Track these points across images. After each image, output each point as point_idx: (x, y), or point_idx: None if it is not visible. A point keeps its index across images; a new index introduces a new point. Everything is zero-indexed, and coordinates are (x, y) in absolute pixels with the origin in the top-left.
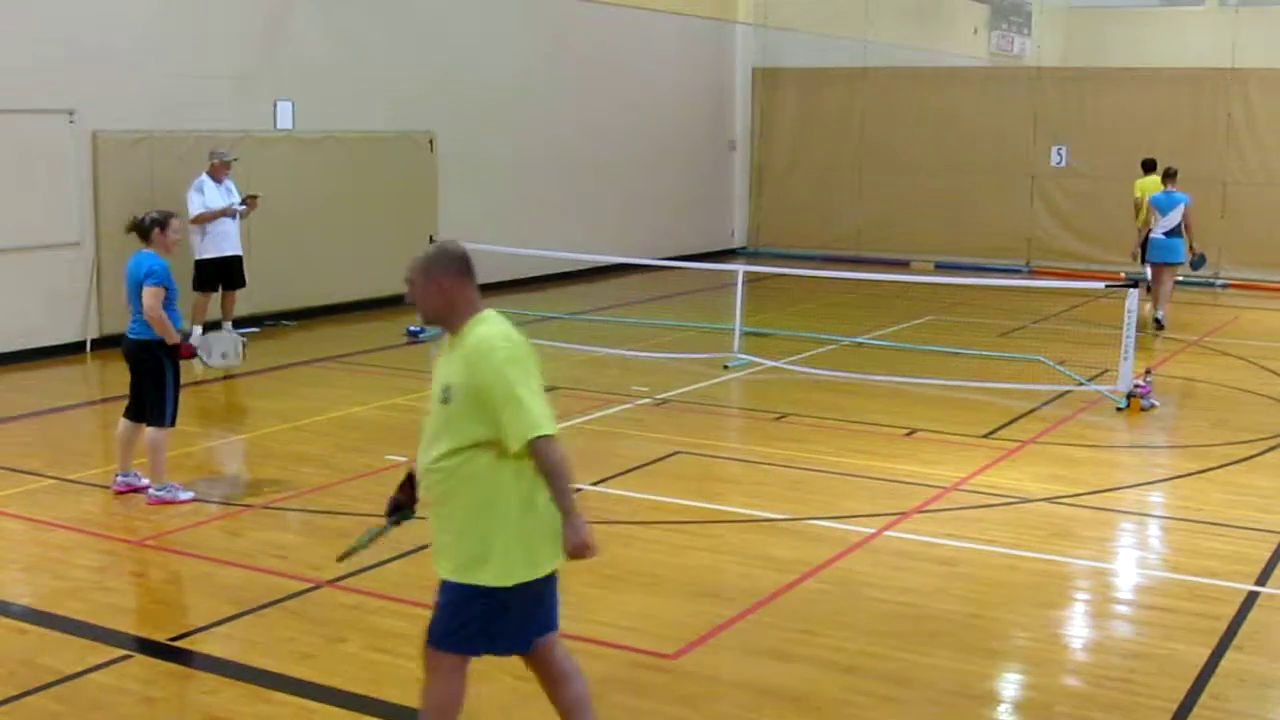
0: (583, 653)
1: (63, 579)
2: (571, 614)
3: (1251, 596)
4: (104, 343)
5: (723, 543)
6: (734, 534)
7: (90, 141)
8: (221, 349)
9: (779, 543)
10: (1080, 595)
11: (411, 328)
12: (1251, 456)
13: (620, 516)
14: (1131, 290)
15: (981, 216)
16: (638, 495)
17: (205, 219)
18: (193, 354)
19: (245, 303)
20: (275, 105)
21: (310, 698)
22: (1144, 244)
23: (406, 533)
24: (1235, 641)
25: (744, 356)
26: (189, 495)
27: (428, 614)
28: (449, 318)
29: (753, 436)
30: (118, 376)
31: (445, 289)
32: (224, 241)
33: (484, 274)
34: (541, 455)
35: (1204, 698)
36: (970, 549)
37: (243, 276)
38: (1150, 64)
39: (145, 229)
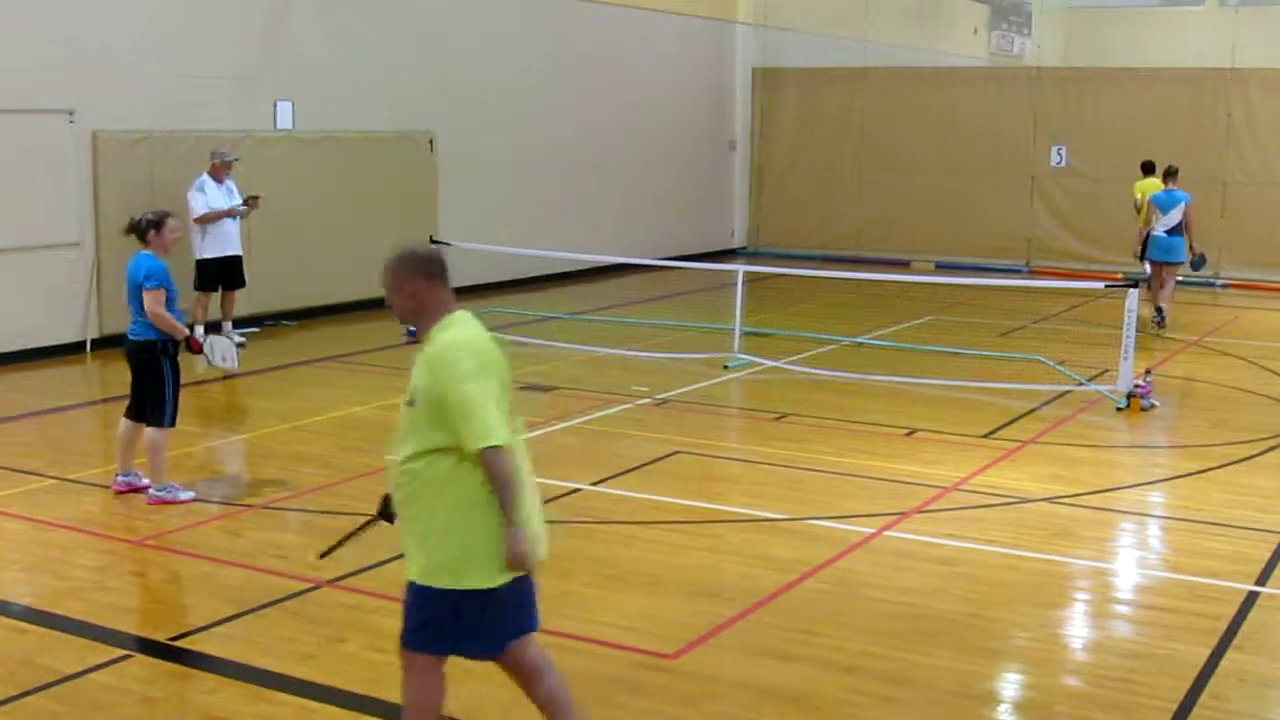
0: (583, 653)
1: (63, 579)
2: (571, 614)
3: (1251, 596)
4: (104, 343)
5: (723, 543)
6: (734, 534)
7: (90, 141)
8: (221, 351)
9: (779, 543)
10: (1080, 595)
11: (411, 328)
12: (1251, 456)
13: (620, 516)
14: (1131, 290)
15: (981, 216)
16: (638, 495)
17: (209, 219)
18: (201, 348)
19: (245, 303)
20: (275, 105)
21: (310, 698)
22: (1145, 242)
23: None
24: (1235, 641)
25: (744, 356)
26: (189, 495)
27: None
28: (418, 320)
29: (753, 436)
30: (118, 376)
31: (414, 293)
32: (225, 241)
33: (484, 274)
34: (489, 465)
35: (1204, 698)
36: (970, 549)
37: (242, 276)
38: (1150, 64)
39: (142, 230)
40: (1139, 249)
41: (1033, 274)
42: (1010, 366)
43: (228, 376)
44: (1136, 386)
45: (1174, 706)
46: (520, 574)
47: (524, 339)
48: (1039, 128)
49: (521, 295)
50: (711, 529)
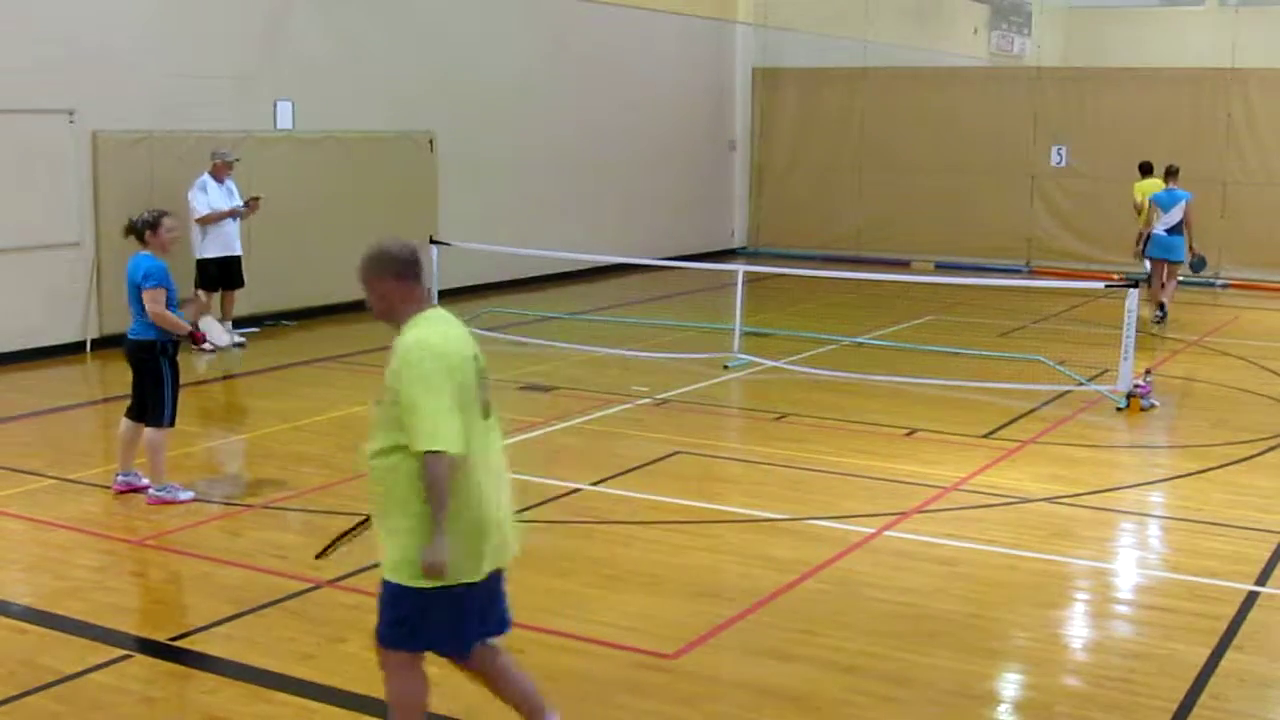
0: (583, 653)
1: (63, 579)
2: (571, 614)
3: (1251, 596)
4: (104, 343)
5: (723, 543)
6: (734, 534)
7: (90, 141)
8: (216, 331)
9: (779, 543)
10: (1080, 595)
11: None
12: (1251, 456)
13: (620, 516)
14: (1131, 290)
15: (981, 216)
16: (638, 495)
17: (211, 220)
18: (205, 339)
19: (245, 302)
20: (275, 105)
21: (310, 698)
22: (1145, 241)
23: None
24: (1235, 641)
25: (744, 356)
26: (189, 495)
27: None
28: (391, 318)
29: (753, 436)
30: (118, 376)
31: (384, 293)
32: (226, 242)
33: (484, 274)
34: (425, 469)
35: (1204, 698)
36: (970, 549)
37: (241, 276)
38: (1150, 64)
39: (139, 231)
40: (1140, 248)
41: (1033, 274)
42: (1010, 366)
43: (228, 376)
44: (1136, 386)
45: (1174, 706)
46: (432, 579)
47: (524, 339)
48: (1039, 128)
49: (521, 295)
50: (711, 529)
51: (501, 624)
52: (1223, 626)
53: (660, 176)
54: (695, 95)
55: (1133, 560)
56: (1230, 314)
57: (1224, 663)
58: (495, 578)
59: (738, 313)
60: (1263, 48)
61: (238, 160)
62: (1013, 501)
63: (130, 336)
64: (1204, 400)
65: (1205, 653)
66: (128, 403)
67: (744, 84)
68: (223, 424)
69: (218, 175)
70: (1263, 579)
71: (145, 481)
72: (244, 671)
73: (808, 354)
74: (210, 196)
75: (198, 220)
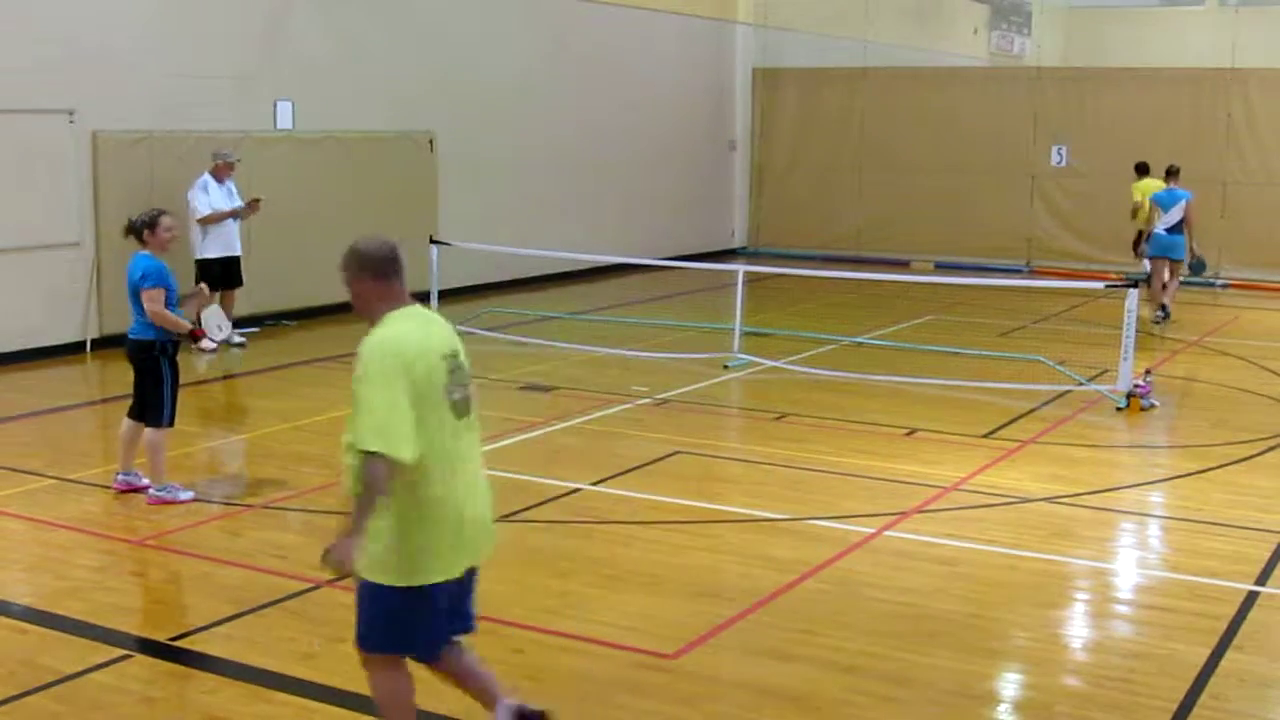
0: (583, 653)
1: (63, 579)
2: (571, 614)
3: (1251, 596)
4: (104, 343)
5: (723, 543)
6: (734, 534)
7: (90, 141)
8: (216, 322)
9: (779, 543)
10: (1080, 595)
11: None
12: (1251, 456)
13: (620, 516)
14: (1131, 290)
15: (981, 216)
16: (638, 495)
17: (213, 220)
18: (205, 335)
19: (245, 302)
20: (275, 105)
21: (310, 698)
22: (1146, 240)
23: None
24: (1235, 641)
25: (744, 356)
26: (189, 495)
27: None
28: (367, 315)
29: (753, 436)
30: (118, 376)
31: (360, 290)
32: (227, 241)
33: (484, 274)
34: (361, 466)
35: (1204, 698)
36: (970, 549)
37: (240, 276)
38: (1150, 64)
39: (137, 231)
40: (1143, 246)
41: (1033, 274)
42: (1010, 366)
43: (228, 376)
44: (1136, 386)
45: (1174, 706)
46: (335, 573)
47: (524, 339)
48: (1039, 128)
49: (521, 295)
50: (711, 529)
51: (468, 622)
52: (1223, 626)
53: (660, 176)
54: (695, 95)
55: (1133, 560)
56: (1230, 314)
57: (1224, 663)
58: (469, 575)
59: (738, 313)
60: (1263, 48)
61: (239, 161)
62: (1013, 501)
63: (131, 337)
64: (1204, 400)
65: (1205, 653)
66: (129, 402)
67: (744, 84)
68: (223, 424)
69: (218, 176)
70: (1263, 579)
71: (145, 481)
72: (244, 671)
73: (808, 354)
74: (212, 197)
75: (200, 220)
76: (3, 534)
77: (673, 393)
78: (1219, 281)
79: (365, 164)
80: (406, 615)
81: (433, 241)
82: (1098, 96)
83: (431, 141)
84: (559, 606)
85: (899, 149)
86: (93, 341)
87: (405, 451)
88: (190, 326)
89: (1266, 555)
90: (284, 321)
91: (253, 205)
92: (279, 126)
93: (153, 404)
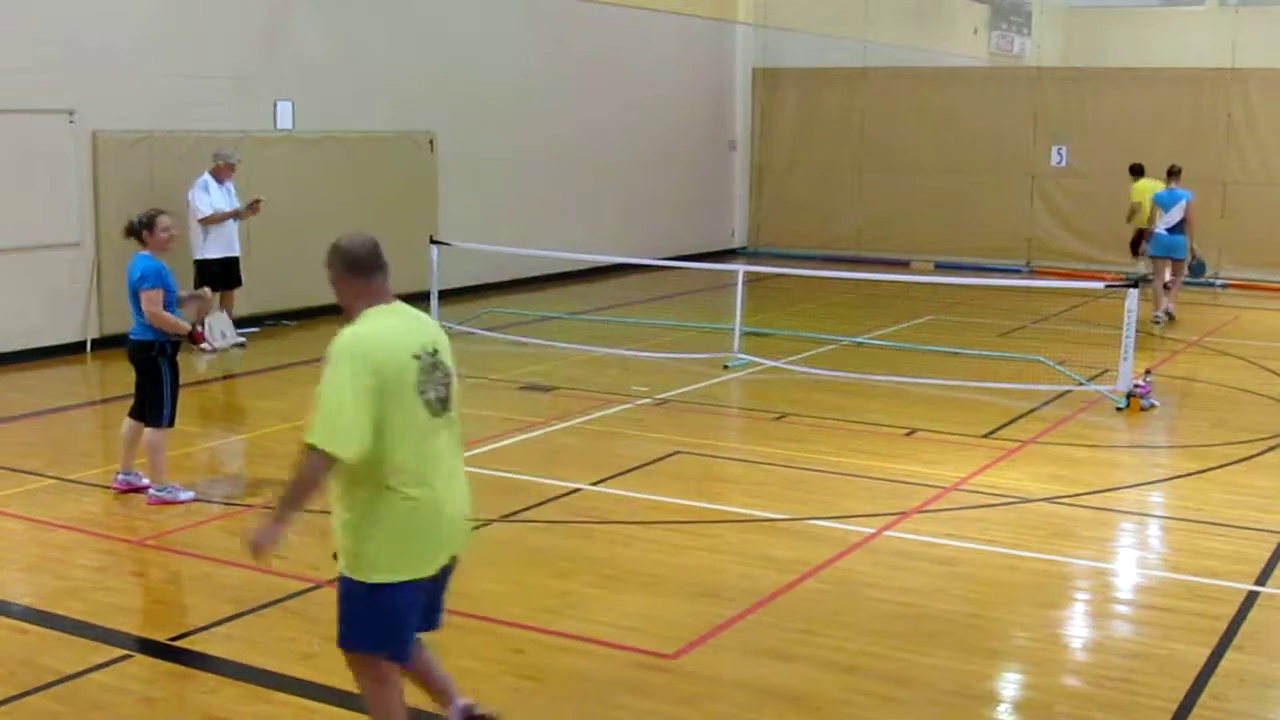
0: (583, 653)
1: (63, 579)
2: (572, 614)
3: (1251, 596)
4: (104, 343)
5: (723, 543)
6: (734, 534)
7: (90, 141)
8: (220, 328)
9: (779, 543)
10: (1080, 595)
11: None
12: (1251, 456)
13: (620, 516)
14: (1131, 290)
15: (981, 216)
16: (638, 495)
17: (214, 220)
18: (204, 338)
19: (245, 302)
20: (275, 105)
21: (310, 698)
22: (1146, 240)
23: None
24: (1235, 641)
25: (744, 356)
26: (189, 495)
27: None
28: (346, 311)
29: (753, 436)
30: (118, 376)
31: (341, 288)
32: (227, 241)
33: (484, 274)
34: (300, 459)
35: (1204, 698)
36: (970, 549)
37: (240, 276)
38: (1150, 64)
39: (136, 231)
40: (1143, 246)
41: (1033, 274)
42: (1010, 366)
43: (228, 376)
44: (1136, 386)
45: (1174, 706)
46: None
47: (524, 339)
48: (1039, 128)
49: (521, 295)
50: (711, 529)
51: (435, 619)
52: (1223, 626)
53: (660, 176)
54: (695, 95)
55: (1133, 560)
56: (1230, 314)
57: (1224, 663)
58: (444, 573)
59: (738, 313)
60: (1263, 48)
61: (239, 162)
62: (1013, 501)
63: (131, 337)
64: (1204, 400)
65: (1205, 653)
66: (129, 402)
67: (744, 84)
68: (223, 424)
69: (219, 176)
70: (1263, 579)
71: (145, 481)
72: (244, 671)
73: (807, 354)
74: (213, 197)
75: (201, 220)
76: (3, 534)
77: (673, 393)
78: (1219, 281)
79: (365, 164)
80: (382, 612)
81: (433, 241)
82: (1098, 96)
83: (431, 141)
84: (559, 606)
85: (899, 149)
86: (93, 341)
87: (347, 450)
88: (189, 328)
89: (1266, 555)
90: (284, 321)
91: (253, 206)
92: (279, 126)
93: (152, 404)
